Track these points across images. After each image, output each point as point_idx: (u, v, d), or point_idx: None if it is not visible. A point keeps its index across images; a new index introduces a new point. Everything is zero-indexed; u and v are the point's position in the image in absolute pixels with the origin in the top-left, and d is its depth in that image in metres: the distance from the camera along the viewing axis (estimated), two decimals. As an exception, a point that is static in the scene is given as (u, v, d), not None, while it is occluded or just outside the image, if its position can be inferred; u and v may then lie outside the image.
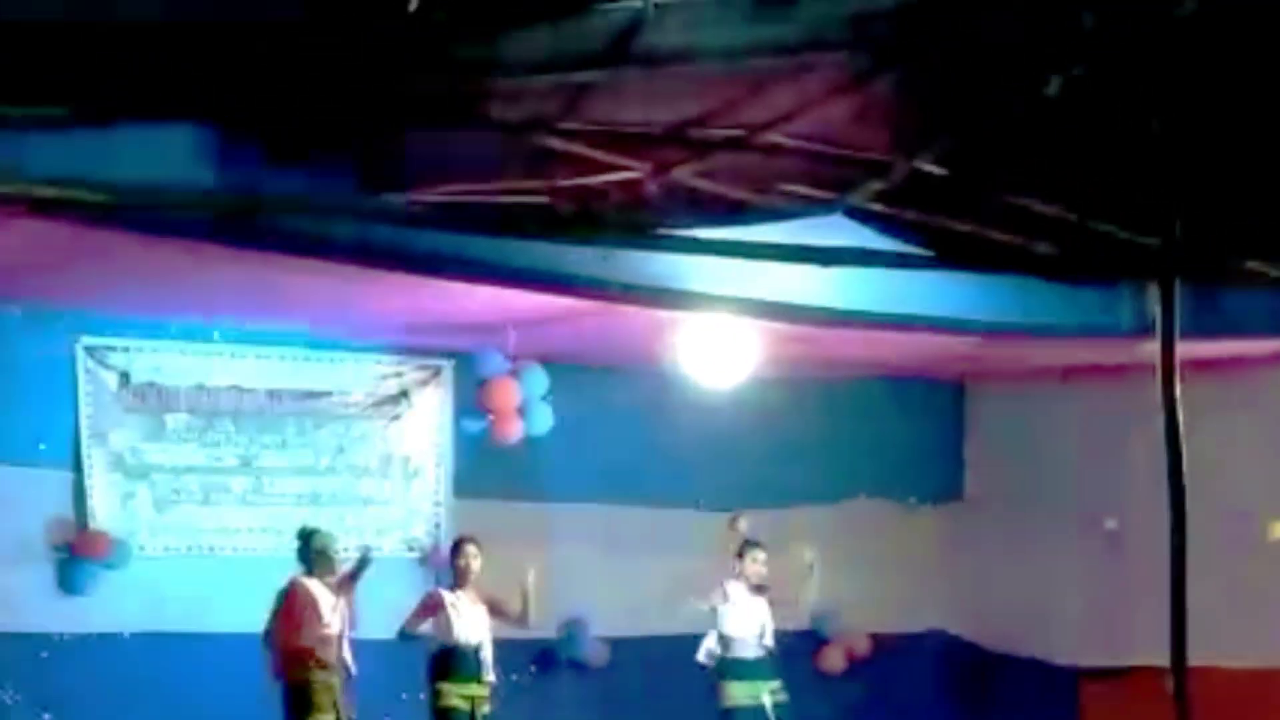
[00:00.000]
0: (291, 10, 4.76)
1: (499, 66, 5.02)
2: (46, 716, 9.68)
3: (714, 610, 9.78)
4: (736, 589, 9.86)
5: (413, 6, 4.57)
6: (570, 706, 10.78)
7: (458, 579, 9.28)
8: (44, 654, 9.67)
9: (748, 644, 9.81)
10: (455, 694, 9.21)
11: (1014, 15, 4.82)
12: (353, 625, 8.95)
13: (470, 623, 9.20)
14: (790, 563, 9.86)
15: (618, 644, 11.19)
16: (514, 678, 10.83)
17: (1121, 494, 10.42)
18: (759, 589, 9.88)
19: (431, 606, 9.21)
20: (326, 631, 8.72)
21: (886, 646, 12.09)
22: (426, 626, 9.22)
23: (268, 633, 8.72)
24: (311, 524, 9.19)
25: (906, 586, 12.21)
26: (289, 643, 8.66)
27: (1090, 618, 11.22)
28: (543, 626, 10.19)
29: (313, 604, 8.72)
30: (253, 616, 8.82)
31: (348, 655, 8.87)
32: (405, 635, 9.23)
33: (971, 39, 4.94)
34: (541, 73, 5.07)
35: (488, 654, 9.29)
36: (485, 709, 9.30)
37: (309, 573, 8.82)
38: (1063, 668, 11.54)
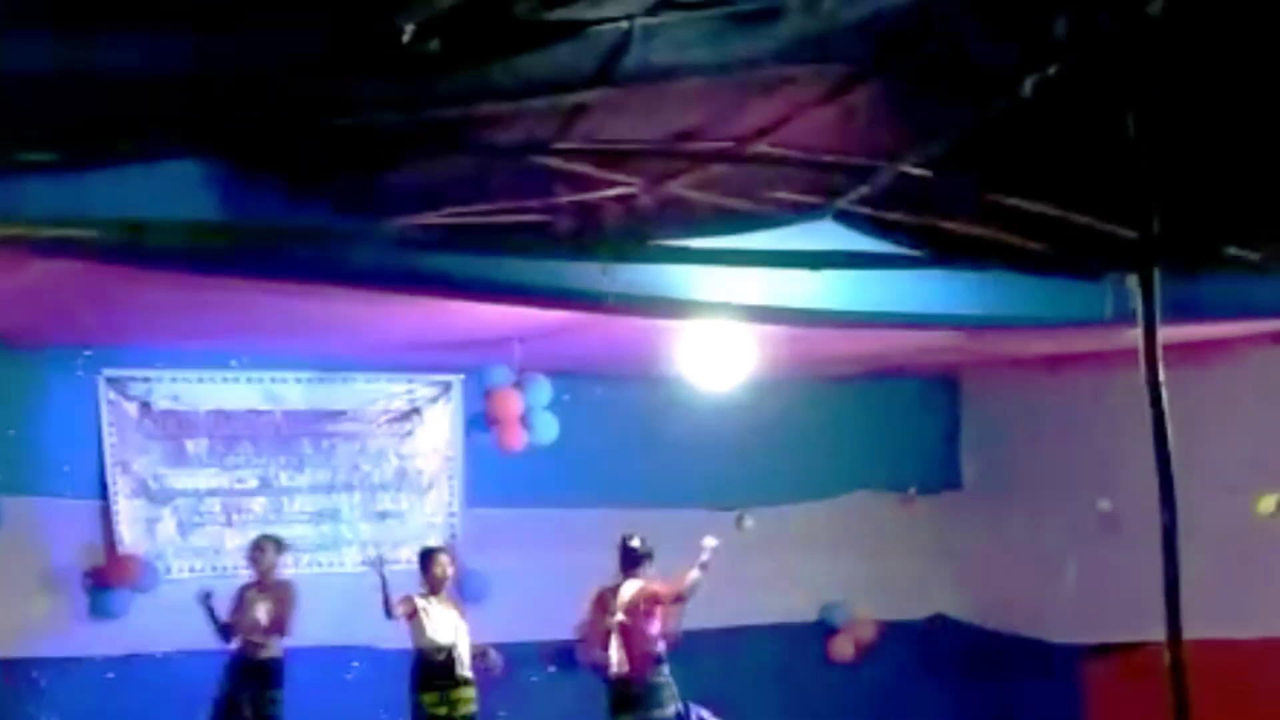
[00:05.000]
0: (289, 46, 4.88)
1: (493, 92, 5.18)
2: (84, 738, 9.90)
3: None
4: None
5: (407, 38, 4.71)
6: (587, 706, 10.94)
7: (431, 587, 9.71)
8: (78, 677, 9.90)
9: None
10: (434, 707, 9.56)
11: (988, 21, 5.00)
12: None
13: (441, 625, 9.62)
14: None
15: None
16: (533, 678, 11.07)
17: (1113, 476, 10.56)
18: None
19: (408, 603, 9.61)
20: None
21: (893, 633, 12.32)
22: (401, 617, 9.60)
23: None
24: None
25: (910, 575, 12.46)
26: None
27: (1089, 597, 11.35)
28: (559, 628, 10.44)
29: None
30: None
31: None
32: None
33: (948, 47, 5.12)
34: (534, 96, 5.23)
35: (463, 653, 9.68)
36: (470, 709, 9.66)
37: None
38: (1065, 646, 11.71)
